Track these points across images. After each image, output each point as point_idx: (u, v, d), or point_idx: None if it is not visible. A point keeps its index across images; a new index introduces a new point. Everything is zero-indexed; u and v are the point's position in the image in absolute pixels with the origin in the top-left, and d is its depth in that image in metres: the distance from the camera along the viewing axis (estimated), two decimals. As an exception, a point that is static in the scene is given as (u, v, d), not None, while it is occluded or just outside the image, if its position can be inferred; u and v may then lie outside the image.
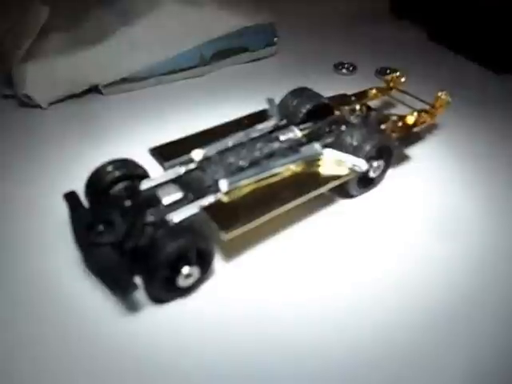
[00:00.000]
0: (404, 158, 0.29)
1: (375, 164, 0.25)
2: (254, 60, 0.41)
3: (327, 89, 0.36)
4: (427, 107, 0.30)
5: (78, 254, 0.20)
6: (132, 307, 0.19)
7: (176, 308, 0.20)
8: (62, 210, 0.21)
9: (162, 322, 0.19)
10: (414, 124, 0.29)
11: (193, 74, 0.37)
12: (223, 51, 0.38)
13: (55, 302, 0.20)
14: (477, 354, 0.19)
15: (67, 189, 0.22)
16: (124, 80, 0.35)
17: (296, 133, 0.26)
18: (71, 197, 0.22)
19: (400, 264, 0.22)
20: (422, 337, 0.19)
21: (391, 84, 0.33)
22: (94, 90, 0.34)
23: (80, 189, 0.22)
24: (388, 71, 0.40)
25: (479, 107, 0.36)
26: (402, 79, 0.33)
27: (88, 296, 0.20)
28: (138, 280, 0.19)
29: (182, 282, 0.19)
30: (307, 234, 0.24)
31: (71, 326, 0.19)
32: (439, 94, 0.30)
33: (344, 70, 0.40)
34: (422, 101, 0.31)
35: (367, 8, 0.54)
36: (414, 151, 0.30)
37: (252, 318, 0.19)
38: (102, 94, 0.34)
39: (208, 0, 0.37)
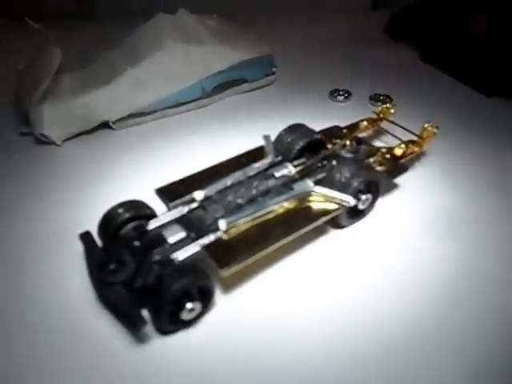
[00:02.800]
0: (393, 187, 0.31)
1: (363, 197, 0.27)
2: (253, 89, 0.43)
3: (323, 116, 0.39)
4: (415, 138, 0.33)
5: (92, 289, 0.23)
6: (140, 338, 0.22)
7: (180, 338, 0.22)
8: (77, 247, 0.24)
9: (167, 351, 0.21)
10: (403, 155, 0.31)
11: (196, 106, 0.40)
12: (224, 83, 0.41)
13: (74, 332, 0.22)
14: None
15: (81, 225, 0.25)
16: (132, 115, 0.37)
17: (290, 169, 0.28)
18: (86, 237, 0.24)
19: (392, 287, 0.25)
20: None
21: (381, 115, 0.35)
22: (104, 125, 0.37)
23: (93, 225, 0.24)
24: (381, 97, 0.42)
25: (469, 130, 0.38)
26: (392, 110, 0.35)
27: (102, 327, 0.22)
28: (145, 313, 0.21)
29: (185, 316, 0.21)
30: (301, 262, 0.26)
31: (86, 354, 0.21)
32: (426, 125, 0.32)
33: (339, 97, 0.42)
34: (409, 131, 0.33)
35: (362, 31, 0.56)
36: (402, 179, 0.32)
37: (248, 346, 0.22)
38: (112, 128, 0.37)
39: (208, 37, 0.39)
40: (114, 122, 0.37)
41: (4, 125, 0.37)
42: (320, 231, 0.28)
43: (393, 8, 0.58)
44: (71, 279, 0.24)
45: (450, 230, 0.28)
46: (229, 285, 0.24)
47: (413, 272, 0.26)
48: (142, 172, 0.33)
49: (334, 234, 0.28)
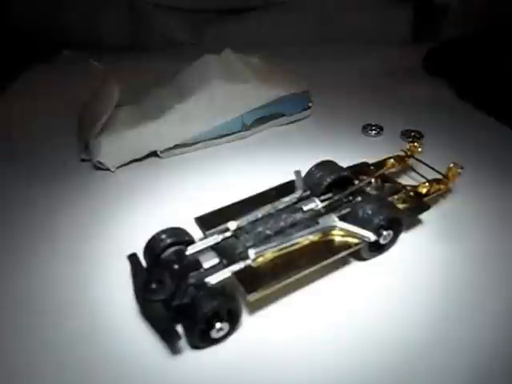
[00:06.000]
0: (416, 223, 0.33)
1: (385, 233, 0.29)
2: (289, 122, 0.46)
3: (354, 151, 0.41)
4: (440, 176, 0.34)
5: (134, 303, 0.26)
6: (175, 351, 0.25)
7: (209, 354, 0.25)
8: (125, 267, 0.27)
9: (198, 364, 0.24)
10: (427, 193, 0.33)
11: (235, 138, 0.43)
12: (262, 118, 0.44)
13: (116, 343, 0.25)
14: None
15: (131, 248, 0.28)
16: (178, 145, 0.41)
17: (317, 203, 0.30)
18: (133, 258, 0.28)
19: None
20: None
21: (409, 153, 0.37)
22: (153, 154, 0.41)
23: (138, 245, 0.28)
24: (412, 133, 0.44)
25: (501, 169, 0.39)
26: (419, 149, 0.37)
27: (143, 339, 0.25)
28: (180, 329, 0.24)
29: (214, 335, 0.24)
30: (323, 290, 0.28)
31: (127, 363, 0.24)
32: (451, 165, 0.34)
33: (371, 132, 0.45)
34: (435, 170, 0.35)
35: (399, 65, 0.58)
36: (425, 216, 0.33)
37: (271, 364, 0.24)
38: (159, 157, 0.41)
39: (249, 75, 0.43)
40: (161, 152, 0.41)
41: (69, 151, 0.42)
42: (343, 262, 0.30)
43: (432, 42, 0.59)
44: (118, 292, 0.28)
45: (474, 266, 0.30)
46: (255, 308, 0.27)
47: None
48: (184, 197, 0.36)
49: (356, 265, 0.30)
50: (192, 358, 0.24)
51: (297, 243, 0.28)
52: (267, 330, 0.26)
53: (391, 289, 0.28)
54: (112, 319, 0.27)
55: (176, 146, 0.41)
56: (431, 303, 0.27)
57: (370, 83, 0.54)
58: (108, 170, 0.39)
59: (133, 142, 0.39)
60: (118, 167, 0.40)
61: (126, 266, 0.28)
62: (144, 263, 0.28)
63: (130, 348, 0.25)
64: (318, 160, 0.33)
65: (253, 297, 0.25)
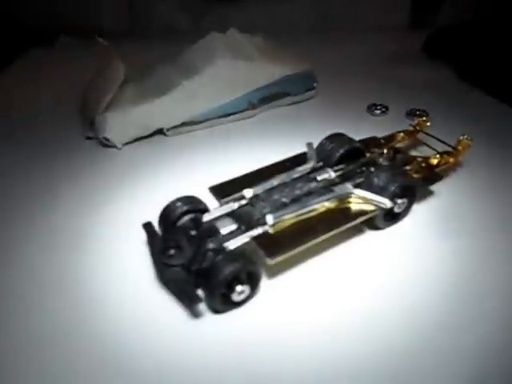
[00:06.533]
0: (428, 193, 0.33)
1: (399, 201, 0.29)
2: (295, 103, 0.46)
3: (361, 129, 0.41)
4: (450, 149, 0.34)
5: (154, 271, 0.26)
6: (196, 315, 0.24)
7: (230, 317, 0.24)
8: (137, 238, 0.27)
9: (220, 328, 0.24)
10: (437, 165, 0.33)
11: (241, 117, 0.43)
12: (268, 97, 0.44)
13: (135, 308, 0.25)
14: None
15: (140, 219, 0.28)
16: (184, 124, 0.41)
17: (331, 174, 0.30)
18: (148, 226, 0.27)
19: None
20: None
21: (418, 127, 0.37)
22: (159, 132, 0.41)
23: (149, 216, 0.28)
24: (417, 112, 0.44)
25: (504, 148, 0.39)
26: (428, 123, 0.37)
27: (163, 305, 0.25)
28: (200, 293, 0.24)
29: (235, 298, 0.24)
30: (339, 259, 0.28)
31: (148, 329, 0.24)
32: (461, 137, 0.34)
33: (377, 111, 0.45)
34: (445, 143, 0.35)
35: (399, 49, 0.58)
36: (436, 187, 0.33)
37: (289, 324, 0.24)
38: (165, 135, 0.41)
39: (255, 54, 0.42)
40: (167, 130, 0.40)
41: (72, 131, 0.41)
42: (357, 231, 0.30)
43: (430, 29, 0.60)
44: (132, 260, 0.28)
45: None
46: (273, 272, 0.27)
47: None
48: (193, 173, 0.36)
49: (369, 234, 0.30)
50: (212, 321, 0.24)
51: (313, 210, 0.28)
52: (285, 294, 0.26)
53: (405, 259, 0.28)
54: (130, 288, 0.26)
55: (182, 124, 0.41)
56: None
57: (372, 66, 0.55)
58: (114, 147, 0.39)
59: (139, 119, 0.39)
60: (124, 144, 0.39)
61: (138, 237, 0.27)
62: (159, 232, 0.27)
63: (151, 314, 0.25)
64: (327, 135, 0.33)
65: (273, 260, 0.24)
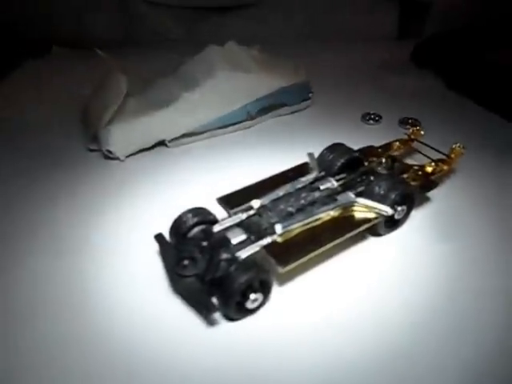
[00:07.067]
0: (425, 200, 0.35)
1: (399, 208, 0.31)
2: (292, 112, 0.48)
3: (357, 138, 0.42)
4: (444, 157, 0.36)
5: (168, 282, 0.27)
6: (211, 323, 0.25)
7: (245, 324, 0.25)
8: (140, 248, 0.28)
9: (234, 335, 0.25)
10: (433, 172, 0.34)
11: (241, 127, 0.44)
12: (266, 107, 0.45)
13: (150, 319, 0.26)
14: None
15: (148, 232, 0.28)
16: (185, 135, 0.42)
17: (333, 183, 0.31)
18: (160, 237, 0.28)
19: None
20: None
21: (412, 136, 0.38)
22: (160, 143, 0.41)
23: (153, 229, 0.28)
24: (410, 121, 0.45)
25: (494, 155, 0.41)
26: (422, 132, 0.38)
27: (178, 315, 0.26)
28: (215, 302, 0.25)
29: (249, 305, 0.25)
30: (343, 264, 0.29)
31: (162, 339, 0.25)
32: (454, 146, 0.36)
33: (371, 121, 0.46)
34: (438, 151, 0.36)
35: (389, 59, 0.60)
36: (432, 193, 0.34)
37: (302, 327, 0.25)
38: (167, 146, 0.42)
39: (253, 66, 0.44)
40: (169, 141, 0.41)
41: (73, 140, 0.42)
42: (361, 238, 0.31)
43: (417, 38, 0.62)
44: (135, 270, 0.28)
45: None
46: (283, 280, 0.28)
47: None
48: (194, 183, 0.37)
49: (372, 240, 0.31)
50: (228, 329, 0.25)
51: (319, 218, 0.29)
52: (294, 300, 0.27)
53: (408, 264, 0.30)
54: (145, 300, 0.27)
55: (183, 136, 0.42)
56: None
57: (363, 76, 0.56)
58: (117, 159, 0.39)
59: (142, 131, 0.39)
60: (127, 156, 0.40)
61: (141, 247, 0.28)
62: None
63: (168, 323, 0.25)
64: (323, 146, 0.34)
65: (284, 268, 0.25)
